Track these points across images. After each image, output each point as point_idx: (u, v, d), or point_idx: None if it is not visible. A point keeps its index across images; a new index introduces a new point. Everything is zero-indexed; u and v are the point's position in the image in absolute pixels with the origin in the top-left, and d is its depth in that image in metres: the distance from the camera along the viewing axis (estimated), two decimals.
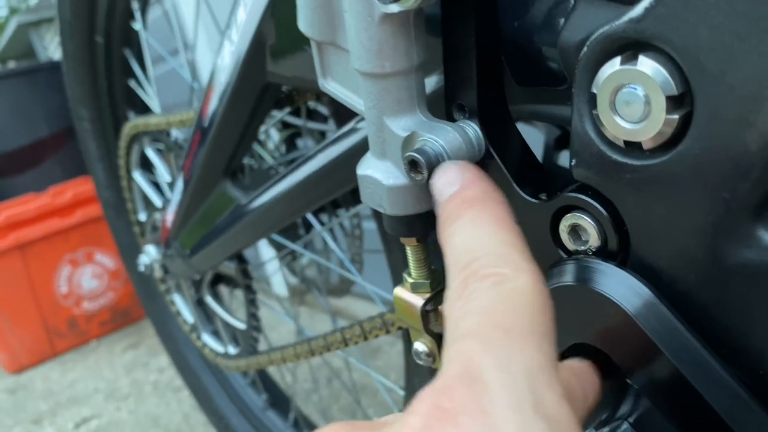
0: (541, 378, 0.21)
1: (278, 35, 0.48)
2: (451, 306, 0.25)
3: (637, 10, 0.26)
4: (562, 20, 0.32)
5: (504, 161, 0.34)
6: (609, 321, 0.30)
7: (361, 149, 0.50)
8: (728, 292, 0.28)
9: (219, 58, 0.57)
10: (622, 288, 0.30)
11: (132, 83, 1.13)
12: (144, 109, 1.17)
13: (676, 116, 0.26)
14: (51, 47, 6.93)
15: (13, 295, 2.37)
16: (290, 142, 1.02)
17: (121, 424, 1.91)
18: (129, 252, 1.32)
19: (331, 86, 0.38)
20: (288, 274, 1.15)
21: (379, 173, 0.35)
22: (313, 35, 0.35)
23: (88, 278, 2.55)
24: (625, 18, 0.26)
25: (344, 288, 1.00)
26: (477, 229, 0.28)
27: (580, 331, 0.32)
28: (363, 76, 0.33)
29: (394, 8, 0.29)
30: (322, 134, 0.96)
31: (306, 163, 0.56)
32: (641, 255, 0.30)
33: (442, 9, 0.32)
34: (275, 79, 0.52)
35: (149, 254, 0.92)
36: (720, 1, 0.23)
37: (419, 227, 0.36)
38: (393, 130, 0.34)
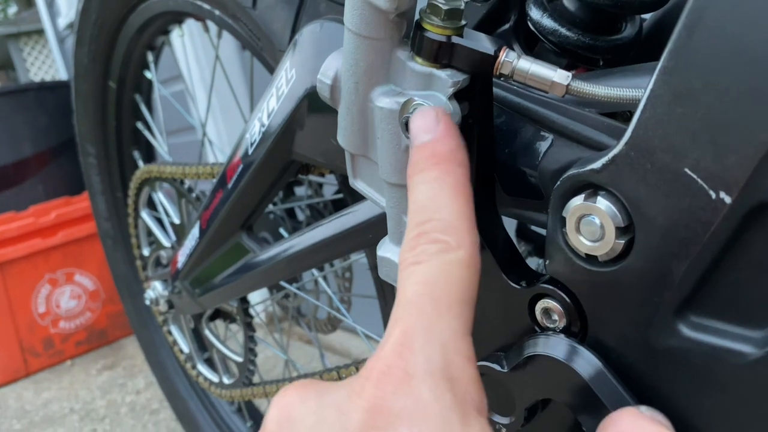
0: (453, 345, 0.29)
1: (307, 126, 0.58)
2: (404, 255, 0.32)
3: (597, 163, 0.36)
4: (541, 152, 0.42)
5: (494, 253, 0.44)
6: (566, 382, 0.40)
7: (366, 226, 0.59)
8: (658, 368, 0.38)
9: (248, 134, 0.67)
10: (579, 359, 0.40)
11: (139, 125, 1.22)
12: (148, 148, 1.25)
13: (622, 241, 0.36)
14: (29, 60, 6.91)
15: None
16: (288, 190, 1.11)
17: None
18: (124, 281, 1.39)
19: (360, 185, 0.47)
20: (275, 306, 1.24)
21: (396, 256, 0.45)
22: (349, 149, 0.45)
23: (67, 298, 2.58)
24: (588, 167, 0.37)
25: (333, 326, 1.09)
26: (438, 190, 0.33)
27: (545, 388, 0.42)
28: (388, 184, 0.43)
29: None
30: (320, 185, 1.05)
31: (321, 228, 0.65)
32: (596, 335, 0.40)
33: None
34: (299, 158, 0.62)
35: (155, 289, 1.00)
36: (654, 169, 0.34)
37: None
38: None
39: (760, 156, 0.30)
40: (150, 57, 1.11)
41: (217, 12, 0.84)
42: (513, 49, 0.39)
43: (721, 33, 0.30)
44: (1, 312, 2.43)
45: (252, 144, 0.66)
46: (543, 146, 0.42)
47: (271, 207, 1.07)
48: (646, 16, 0.54)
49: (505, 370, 0.44)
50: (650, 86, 0.33)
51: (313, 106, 0.56)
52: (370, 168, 0.46)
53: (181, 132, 2.00)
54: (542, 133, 0.43)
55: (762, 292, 0.33)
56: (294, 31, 0.69)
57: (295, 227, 1.07)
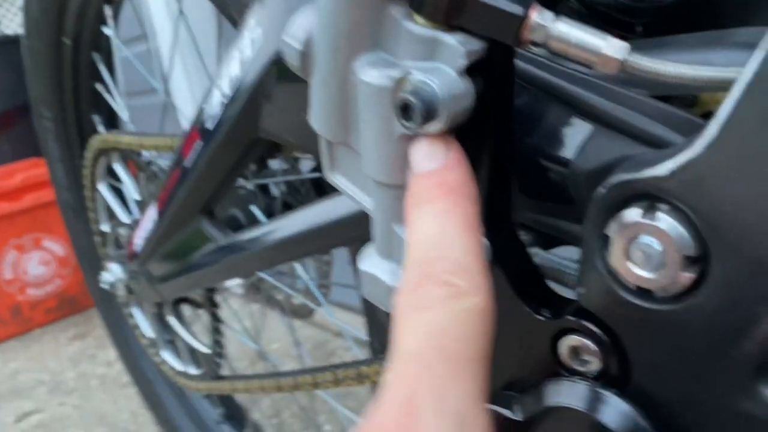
0: (470, 414, 0.24)
1: (276, 99, 0.48)
2: (403, 298, 0.27)
3: (662, 169, 0.26)
4: (576, 145, 0.33)
5: (506, 272, 0.35)
6: None
7: (351, 219, 0.49)
8: None
9: (206, 104, 0.56)
10: (616, 415, 0.31)
11: (99, 87, 1.10)
12: (110, 113, 1.13)
13: (690, 274, 0.27)
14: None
15: None
16: (261, 163, 1.01)
17: (64, 420, 1.87)
18: (86, 256, 1.28)
19: (339, 180, 0.37)
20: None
21: (384, 273, 0.35)
22: (325, 134, 0.35)
23: (35, 264, 2.47)
24: (649, 173, 0.27)
25: (309, 311, 1.00)
26: (446, 224, 0.28)
27: None
28: (375, 183, 0.33)
29: (410, 127, 0.29)
30: (296, 159, 0.95)
31: (296, 218, 0.56)
32: (641, 386, 0.31)
33: (459, 127, 0.32)
34: (267, 135, 0.52)
35: (114, 273, 0.90)
36: (749, 183, 0.24)
37: None
38: (402, 237, 0.34)
39: None
40: (108, 11, 0.99)
41: None
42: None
43: None
44: None
45: (211, 117, 0.55)
46: (578, 137, 0.32)
47: (242, 181, 0.97)
48: None
49: (519, 419, 0.35)
50: (757, 64, 0.23)
51: (284, 74, 0.46)
52: (352, 159, 0.36)
53: (147, 95, 1.87)
54: (578, 120, 0.33)
55: None
56: None
57: (269, 205, 0.97)
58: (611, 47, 0.27)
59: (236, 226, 0.88)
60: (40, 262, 2.48)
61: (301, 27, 0.33)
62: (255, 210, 0.94)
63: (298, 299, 1.04)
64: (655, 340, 0.29)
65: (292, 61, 0.34)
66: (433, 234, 0.28)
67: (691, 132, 0.28)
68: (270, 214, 0.92)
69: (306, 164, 0.95)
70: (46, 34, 1.04)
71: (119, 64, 1.07)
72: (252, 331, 1.18)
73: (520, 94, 0.34)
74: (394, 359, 0.25)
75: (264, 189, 0.99)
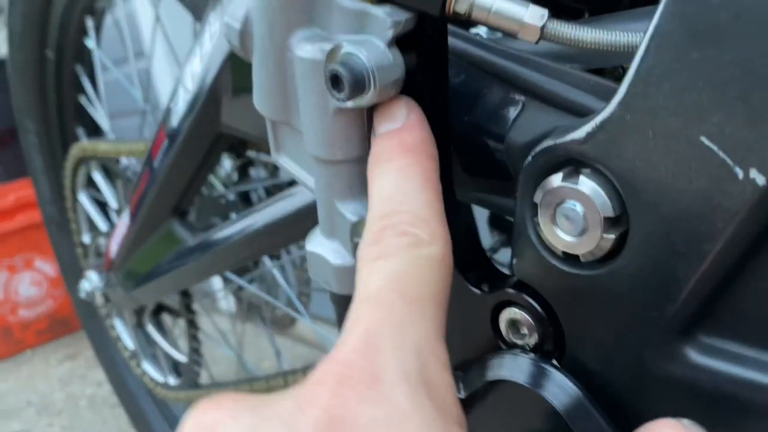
0: (429, 348, 0.24)
1: (234, 91, 0.48)
2: (365, 250, 0.28)
3: (580, 132, 0.27)
4: (510, 119, 0.33)
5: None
6: (538, 415, 0.31)
7: (308, 212, 0.50)
8: (656, 401, 0.29)
9: (172, 102, 0.57)
10: (552, 386, 0.31)
11: (83, 100, 1.11)
12: (94, 126, 1.14)
13: (612, 236, 0.27)
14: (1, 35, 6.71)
15: None
16: (242, 171, 1.01)
17: None
18: (70, 270, 1.28)
19: (284, 161, 0.38)
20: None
21: (328, 252, 0.36)
22: (268, 114, 0.35)
23: (27, 285, 2.46)
24: (568, 138, 0.27)
25: (290, 320, 1.00)
26: (406, 180, 0.29)
27: (510, 421, 0.33)
28: (316, 160, 0.34)
29: (348, 104, 0.30)
30: (276, 167, 0.95)
31: (258, 213, 0.56)
32: (576, 355, 0.31)
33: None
34: (229, 130, 0.52)
35: (91, 281, 0.90)
36: (658, 138, 0.25)
37: None
38: (343, 214, 0.34)
39: None
40: (90, 23, 1.00)
41: None
42: None
43: None
44: None
45: (177, 114, 0.56)
46: (512, 112, 0.33)
47: (223, 190, 0.97)
48: None
49: (462, 396, 0.35)
50: (654, 23, 0.24)
51: (240, 66, 0.46)
52: (295, 139, 0.36)
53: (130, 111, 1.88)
54: (512, 96, 0.33)
55: None
56: None
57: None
58: (531, 15, 0.28)
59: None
60: (31, 283, 2.47)
61: (239, 6, 0.34)
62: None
63: (280, 309, 1.04)
64: (585, 307, 0.29)
65: (233, 42, 0.35)
66: (392, 189, 0.29)
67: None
68: None
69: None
70: (29, 46, 1.05)
71: (101, 78, 1.08)
72: (233, 342, 1.17)
73: (457, 73, 0.35)
74: (356, 303, 0.26)
75: (245, 197, 1.00)
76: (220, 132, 0.53)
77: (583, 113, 0.30)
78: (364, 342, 0.24)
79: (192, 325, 0.84)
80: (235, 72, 0.47)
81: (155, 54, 1.47)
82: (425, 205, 0.28)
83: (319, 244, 0.36)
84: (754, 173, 0.22)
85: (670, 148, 0.24)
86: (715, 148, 0.23)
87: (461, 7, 0.29)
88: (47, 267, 2.48)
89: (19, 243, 2.40)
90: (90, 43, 1.02)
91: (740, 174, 0.23)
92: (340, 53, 0.29)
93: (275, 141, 0.37)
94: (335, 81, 0.29)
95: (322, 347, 1.94)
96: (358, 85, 0.29)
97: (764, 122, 0.22)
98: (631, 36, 0.26)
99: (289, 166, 0.38)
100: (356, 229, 0.34)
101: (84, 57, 1.07)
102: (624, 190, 0.26)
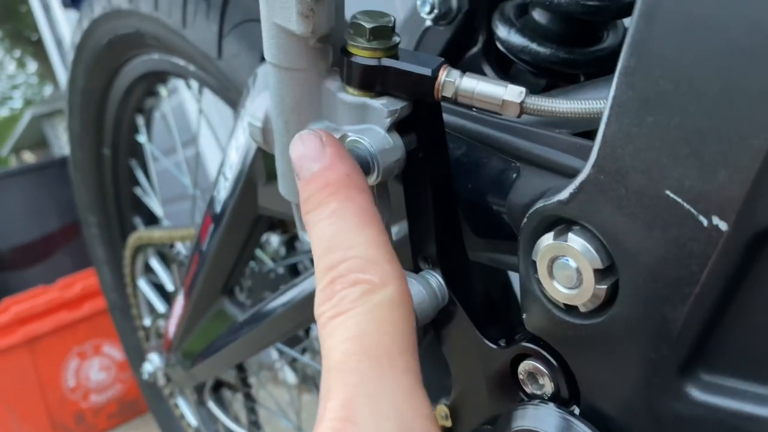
0: (406, 404, 0.24)
1: (267, 177, 0.53)
2: (320, 309, 0.27)
3: (564, 194, 0.30)
4: (508, 184, 0.36)
5: (466, 308, 0.37)
6: None
7: None
8: None
9: (215, 191, 0.61)
10: None
11: (137, 191, 1.19)
12: (149, 214, 1.22)
13: (604, 286, 0.29)
14: (63, 138, 7.14)
15: (20, 390, 2.37)
16: (289, 245, 1.06)
17: None
18: (134, 353, 1.34)
19: (308, 238, 0.41)
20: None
21: None
22: (292, 199, 0.39)
23: (96, 370, 2.55)
24: (555, 199, 0.30)
25: None
26: (343, 222, 0.28)
27: None
28: None
29: None
30: None
31: (300, 285, 0.59)
32: (590, 402, 0.33)
33: (402, 178, 0.36)
34: (266, 212, 0.56)
35: (153, 362, 0.94)
36: (629, 194, 0.27)
37: None
38: None
39: (756, 167, 0.23)
40: (140, 120, 1.08)
41: (191, 67, 0.81)
42: (460, 69, 0.33)
43: (688, 14, 0.23)
44: (31, 389, 2.40)
45: (220, 201, 0.61)
46: (510, 177, 0.36)
47: (271, 265, 1.02)
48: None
49: None
50: (612, 93, 0.26)
51: (269, 156, 0.51)
52: None
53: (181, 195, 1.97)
54: (508, 163, 0.36)
55: None
56: None
57: None
58: (510, 93, 0.31)
59: None
60: (100, 368, 2.56)
61: (259, 107, 0.38)
62: None
63: None
64: (591, 355, 0.31)
65: (256, 138, 0.39)
66: (330, 235, 0.28)
67: None
68: None
69: None
70: (88, 146, 1.14)
71: (154, 169, 1.16)
72: (293, 413, 1.19)
73: (458, 146, 0.38)
74: (325, 371, 0.26)
75: (293, 269, 1.04)
76: (258, 214, 0.57)
77: (572, 174, 0.33)
78: (343, 418, 0.24)
79: (249, 398, 0.87)
80: (265, 160, 0.51)
81: (202, 141, 1.57)
82: (368, 244, 0.27)
83: None
84: (716, 220, 0.25)
85: (642, 203, 0.27)
86: (679, 200, 0.25)
87: (448, 92, 0.32)
88: (114, 351, 2.57)
89: (88, 330, 2.50)
90: (141, 138, 1.10)
91: (705, 222, 0.25)
92: (346, 142, 0.33)
93: (299, 221, 0.41)
94: None
95: None
96: (363, 168, 0.33)
97: (717, 174, 0.24)
98: (597, 104, 0.29)
99: None
100: None
101: (137, 151, 1.15)
102: (608, 243, 0.29)
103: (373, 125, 0.33)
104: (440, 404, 0.41)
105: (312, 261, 1.01)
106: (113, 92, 1.03)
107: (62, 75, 3.40)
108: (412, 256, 0.38)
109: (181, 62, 0.82)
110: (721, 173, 0.24)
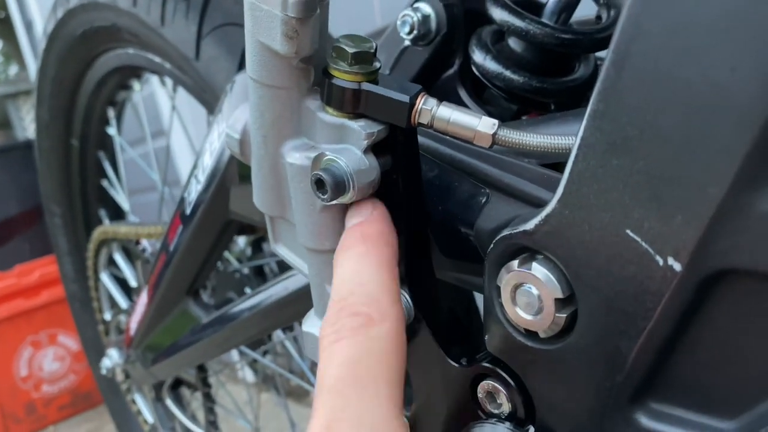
0: (386, 429, 0.27)
1: (240, 184, 0.53)
2: (325, 330, 0.30)
3: (530, 224, 0.31)
4: (478, 209, 0.37)
5: (431, 326, 0.38)
6: None
7: None
8: None
9: (186, 192, 0.62)
10: None
11: (104, 183, 1.17)
12: (115, 208, 1.20)
13: (563, 315, 0.31)
14: (27, 119, 6.98)
15: None
16: (256, 246, 1.06)
17: None
18: (92, 346, 1.32)
19: (282, 250, 0.42)
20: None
21: None
22: (266, 211, 0.40)
23: (50, 360, 2.50)
24: (521, 229, 0.31)
25: (305, 391, 1.02)
26: (362, 265, 0.32)
27: None
28: (307, 249, 0.38)
29: (332, 203, 0.34)
30: None
31: (267, 291, 0.60)
32: (545, 423, 0.34)
33: (376, 198, 0.37)
34: (237, 217, 0.57)
35: (112, 358, 0.94)
36: (592, 230, 0.28)
37: None
38: None
39: (710, 214, 0.25)
40: (111, 113, 1.07)
41: (167, 65, 0.80)
42: (434, 96, 0.34)
43: (655, 68, 0.25)
44: None
45: (190, 203, 0.61)
46: (479, 203, 0.37)
47: (237, 265, 1.02)
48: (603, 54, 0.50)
49: None
50: (580, 134, 0.28)
51: (244, 164, 0.51)
52: (290, 231, 0.40)
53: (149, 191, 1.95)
54: (478, 189, 0.37)
55: (729, 374, 0.28)
56: None
57: None
58: (483, 124, 0.32)
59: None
60: (54, 358, 2.51)
61: (238, 120, 0.39)
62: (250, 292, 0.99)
63: (294, 380, 1.06)
64: (548, 378, 0.33)
65: (233, 148, 0.40)
66: (350, 273, 0.32)
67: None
68: None
69: None
70: (56, 135, 1.13)
71: (122, 162, 1.15)
72: (251, 413, 1.19)
73: (431, 168, 0.39)
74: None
75: (259, 271, 1.04)
76: (229, 219, 0.58)
77: (538, 204, 0.34)
78: None
79: (208, 398, 0.87)
80: (241, 167, 0.52)
81: (173, 135, 1.55)
82: (379, 286, 0.31)
83: (313, 325, 0.40)
84: (671, 261, 0.26)
85: (603, 239, 0.28)
86: (638, 239, 0.27)
87: (424, 119, 0.33)
88: (70, 342, 2.52)
89: (44, 319, 2.46)
90: (111, 130, 1.09)
91: (660, 261, 0.26)
92: (323, 160, 0.34)
93: (273, 233, 0.42)
94: (319, 184, 0.34)
95: None
96: (339, 187, 0.33)
97: (674, 217, 0.26)
98: (565, 141, 0.31)
99: (285, 254, 0.42)
100: None
101: (106, 144, 1.14)
102: (569, 274, 0.30)
103: (351, 146, 0.34)
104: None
105: (278, 264, 1.01)
106: (85, 83, 1.02)
107: (29, 56, 3.33)
108: None
109: (157, 59, 0.82)
110: (679, 217, 0.25)
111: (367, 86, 0.33)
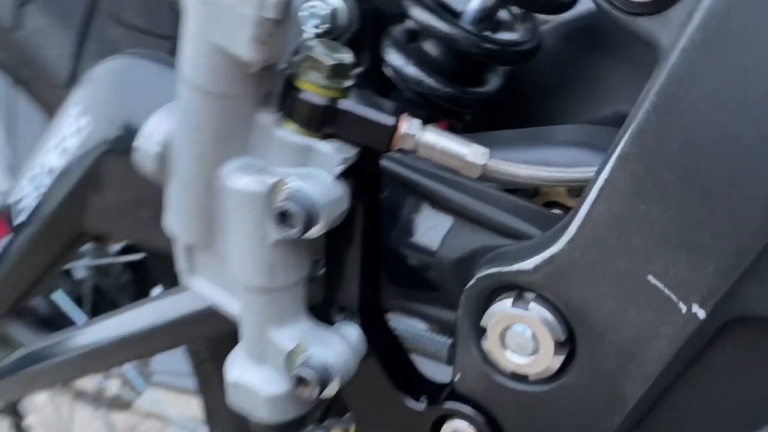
0: None
1: (107, 194, 0.44)
2: None
3: (527, 264, 0.29)
4: (440, 236, 0.34)
5: (383, 362, 0.35)
6: None
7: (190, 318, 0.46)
8: None
9: (13, 196, 0.50)
10: None
11: None
12: None
13: (561, 356, 0.29)
14: None
15: None
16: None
17: None
18: None
19: (199, 283, 0.35)
20: None
21: (258, 381, 0.34)
22: (187, 238, 0.33)
23: None
24: (515, 267, 0.29)
25: (128, 401, 0.92)
26: None
27: None
28: (247, 288, 0.32)
29: (290, 234, 0.29)
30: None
31: (119, 320, 0.51)
32: None
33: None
34: (94, 230, 0.48)
35: None
36: (606, 275, 0.27)
37: (294, 429, 0.35)
38: (278, 340, 0.33)
39: (745, 266, 0.25)
40: None
41: None
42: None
43: (705, 118, 0.24)
44: None
45: (23, 209, 0.49)
46: (441, 230, 0.34)
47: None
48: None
49: None
50: (604, 175, 0.26)
51: (117, 167, 0.43)
52: (215, 264, 0.34)
53: None
54: (439, 214, 0.34)
55: (722, 412, 0.29)
56: (78, 61, 0.54)
57: (75, 289, 0.88)
58: (474, 154, 0.29)
59: (39, 318, 0.79)
60: None
61: (157, 130, 0.31)
62: (61, 295, 0.85)
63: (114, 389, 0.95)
64: (533, 420, 0.31)
65: (147, 164, 0.32)
66: None
67: (543, 224, 0.31)
68: (78, 299, 0.84)
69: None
70: None
71: None
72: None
73: (390, 190, 0.35)
74: None
75: (67, 272, 0.90)
76: (81, 231, 0.48)
77: (512, 236, 0.32)
78: None
79: (19, 428, 0.74)
80: (112, 174, 0.43)
81: None
82: None
83: (246, 373, 0.34)
84: (695, 308, 0.26)
85: (619, 284, 0.27)
86: (660, 285, 0.26)
87: (407, 145, 0.29)
88: None
89: None
90: None
91: (684, 309, 0.26)
92: (288, 189, 0.29)
93: (188, 263, 0.35)
94: (283, 217, 0.28)
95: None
96: (311, 220, 0.28)
97: (706, 267, 0.25)
98: (572, 173, 0.29)
99: (204, 289, 0.35)
100: (293, 356, 0.33)
101: None
102: (572, 318, 0.29)
103: (318, 170, 0.29)
104: None
105: (94, 267, 0.88)
106: None
107: None
108: (325, 307, 0.35)
109: None
110: (711, 267, 0.25)
111: (345, 104, 0.29)
